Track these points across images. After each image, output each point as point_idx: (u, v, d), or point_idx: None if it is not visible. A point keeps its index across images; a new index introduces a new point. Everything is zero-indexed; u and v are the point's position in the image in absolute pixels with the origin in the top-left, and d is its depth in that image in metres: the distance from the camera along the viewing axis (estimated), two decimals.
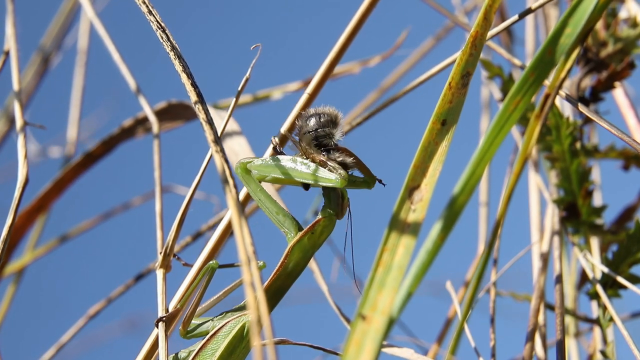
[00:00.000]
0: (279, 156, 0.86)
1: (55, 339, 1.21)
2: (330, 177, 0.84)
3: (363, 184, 0.87)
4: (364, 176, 0.86)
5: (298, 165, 0.85)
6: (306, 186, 0.86)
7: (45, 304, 2.31)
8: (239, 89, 0.87)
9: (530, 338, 1.06)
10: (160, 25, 0.85)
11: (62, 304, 2.33)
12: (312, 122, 0.85)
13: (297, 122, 0.87)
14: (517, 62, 1.04)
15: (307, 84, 1.27)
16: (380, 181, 0.87)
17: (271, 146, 0.91)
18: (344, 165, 0.85)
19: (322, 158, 0.84)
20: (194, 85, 0.83)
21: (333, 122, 0.86)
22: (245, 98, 1.34)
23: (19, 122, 0.97)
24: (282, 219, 0.87)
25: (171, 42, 0.85)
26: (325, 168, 0.84)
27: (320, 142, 0.85)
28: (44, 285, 2.17)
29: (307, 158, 0.85)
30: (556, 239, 1.19)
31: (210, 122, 0.79)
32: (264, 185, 0.88)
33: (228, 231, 0.95)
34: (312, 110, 0.86)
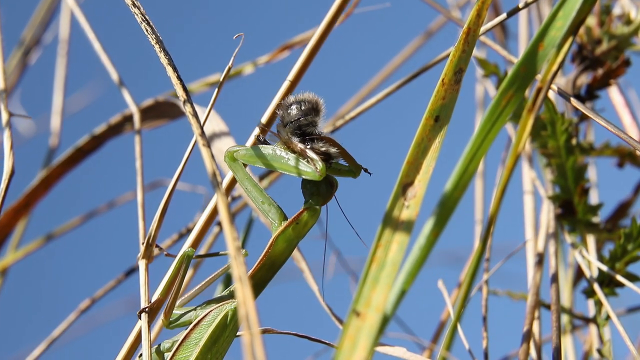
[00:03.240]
0: (262, 146, 0.86)
1: (45, 335, 1.21)
2: (308, 170, 0.83)
3: (348, 173, 0.86)
4: (348, 165, 0.86)
5: (278, 157, 0.85)
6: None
7: (35, 301, 2.31)
8: (221, 79, 0.86)
9: (526, 336, 1.05)
10: (145, 17, 0.85)
11: (53, 301, 2.33)
12: (294, 111, 0.85)
13: (277, 112, 0.86)
14: (513, 58, 1.04)
15: (277, 53, 1.25)
16: (366, 170, 0.87)
17: (254, 135, 0.91)
18: (327, 156, 0.84)
19: (301, 147, 0.84)
20: (179, 78, 0.83)
21: (315, 109, 0.85)
22: (215, 77, 1.32)
23: (4, 112, 0.97)
24: (268, 208, 0.86)
25: (156, 35, 0.85)
26: (304, 159, 0.84)
27: (303, 131, 0.85)
28: (31, 284, 2.16)
29: (288, 148, 0.85)
30: (551, 236, 1.19)
31: (196, 116, 0.79)
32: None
33: (210, 222, 0.95)
34: (292, 98, 0.85)
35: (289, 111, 0.85)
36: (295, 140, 0.84)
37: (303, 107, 0.85)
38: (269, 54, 1.26)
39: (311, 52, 0.96)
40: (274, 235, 0.86)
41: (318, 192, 0.86)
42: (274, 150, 0.85)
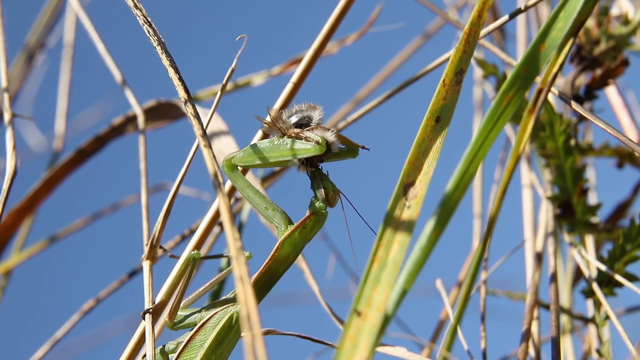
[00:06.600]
0: (258, 141, 0.86)
1: (48, 335, 1.22)
2: (307, 146, 0.84)
3: (348, 154, 0.87)
4: (346, 147, 0.86)
5: (276, 145, 0.85)
6: (300, 165, 0.86)
7: (39, 302, 2.31)
8: (224, 81, 0.86)
9: (525, 336, 1.06)
10: (147, 19, 0.85)
11: (57, 302, 2.33)
12: (293, 109, 0.86)
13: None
14: (512, 60, 1.04)
15: (288, 66, 1.26)
16: (363, 147, 0.87)
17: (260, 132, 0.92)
18: (325, 140, 0.85)
19: (298, 131, 0.84)
20: (181, 80, 0.83)
21: (312, 107, 0.86)
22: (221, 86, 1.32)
23: (7, 114, 0.97)
24: (272, 213, 0.87)
25: (158, 37, 0.85)
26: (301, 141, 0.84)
27: (299, 125, 0.85)
28: (35, 285, 2.17)
29: (284, 136, 0.85)
30: (550, 235, 1.19)
31: (198, 117, 0.80)
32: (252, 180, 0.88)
33: (214, 223, 0.95)
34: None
35: (287, 112, 0.86)
36: (292, 128, 0.85)
37: (302, 106, 0.86)
38: (280, 65, 1.27)
39: (313, 57, 0.97)
40: (280, 239, 0.86)
41: (316, 195, 0.86)
42: (271, 142, 0.85)
